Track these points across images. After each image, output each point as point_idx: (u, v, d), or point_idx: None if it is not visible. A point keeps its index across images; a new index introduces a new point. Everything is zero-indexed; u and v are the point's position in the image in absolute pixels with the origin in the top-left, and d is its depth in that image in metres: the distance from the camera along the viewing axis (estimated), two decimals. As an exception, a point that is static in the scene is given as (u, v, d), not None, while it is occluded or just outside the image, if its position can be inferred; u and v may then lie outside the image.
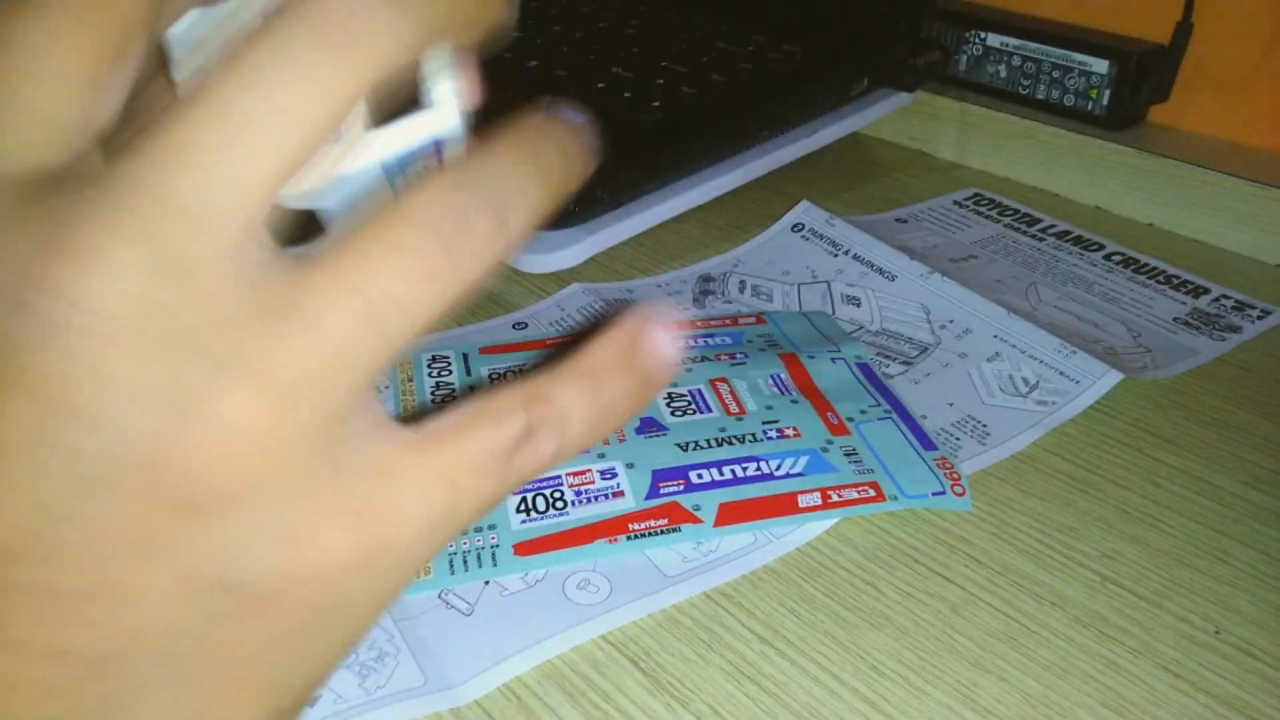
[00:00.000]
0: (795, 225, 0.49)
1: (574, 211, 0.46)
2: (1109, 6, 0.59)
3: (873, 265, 0.46)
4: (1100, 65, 0.56)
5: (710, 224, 0.51)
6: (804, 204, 0.50)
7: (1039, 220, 0.52)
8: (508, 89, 0.56)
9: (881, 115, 0.57)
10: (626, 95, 0.52)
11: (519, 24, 0.62)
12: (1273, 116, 0.55)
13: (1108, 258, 0.49)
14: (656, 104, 0.51)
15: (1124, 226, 0.53)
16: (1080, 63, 0.56)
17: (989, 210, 0.54)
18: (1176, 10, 0.55)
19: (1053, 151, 0.56)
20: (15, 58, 0.15)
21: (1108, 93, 0.56)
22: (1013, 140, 0.57)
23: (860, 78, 0.56)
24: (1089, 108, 0.57)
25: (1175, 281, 0.47)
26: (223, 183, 0.13)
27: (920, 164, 0.60)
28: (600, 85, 0.54)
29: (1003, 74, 0.60)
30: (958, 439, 0.36)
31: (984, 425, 0.37)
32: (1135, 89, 0.55)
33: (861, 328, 0.43)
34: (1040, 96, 0.58)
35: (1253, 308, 0.45)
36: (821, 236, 0.48)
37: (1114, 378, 0.38)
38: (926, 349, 0.41)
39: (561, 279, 0.46)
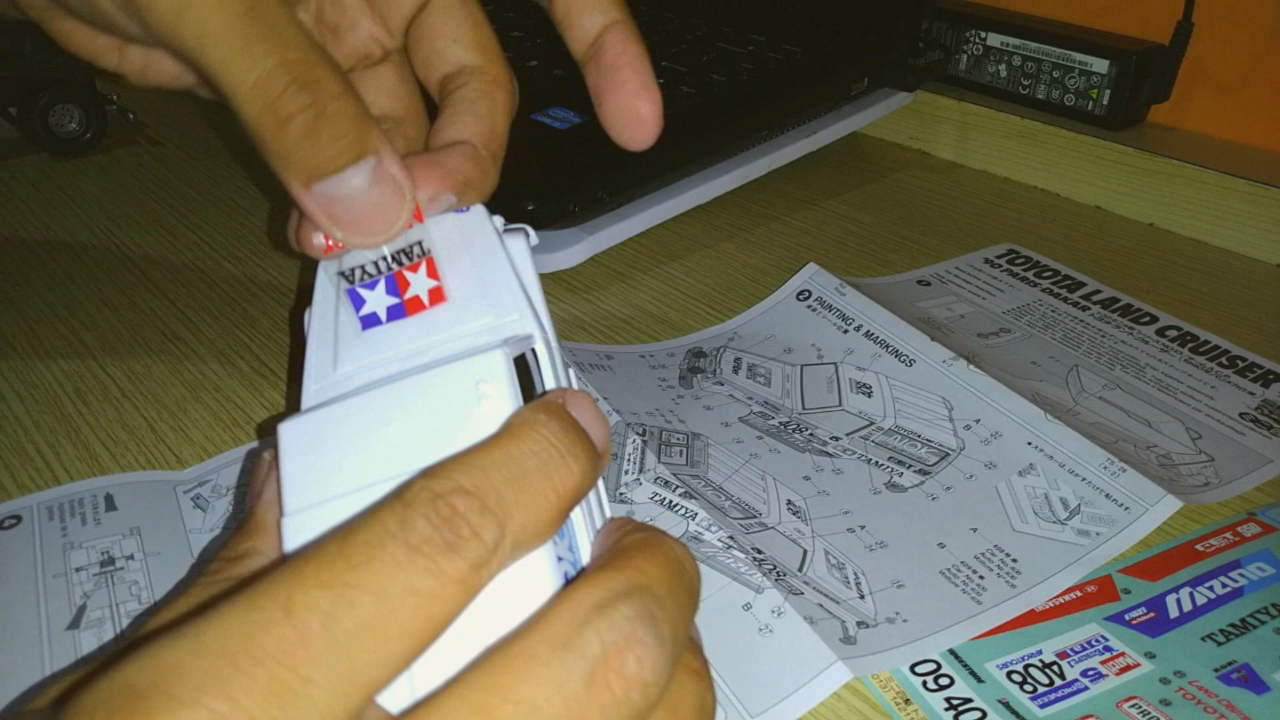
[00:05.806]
0: (801, 293, 0.43)
1: (574, 212, 0.46)
2: (1109, 6, 0.59)
3: (887, 346, 0.39)
4: (1100, 65, 0.56)
5: (711, 223, 0.51)
6: (811, 267, 0.44)
7: (1082, 284, 0.46)
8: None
9: (882, 115, 0.57)
10: (626, 95, 0.52)
11: (519, 23, 0.62)
12: (1273, 116, 0.55)
13: (1161, 333, 0.43)
14: (656, 104, 0.51)
15: (1124, 226, 0.53)
16: (1080, 62, 0.56)
17: (1025, 270, 0.47)
18: (1177, 10, 0.55)
19: (1053, 151, 0.56)
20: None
21: (1108, 92, 0.56)
22: (1013, 140, 0.57)
23: (860, 78, 0.56)
24: (1089, 107, 0.57)
25: (1240, 365, 0.40)
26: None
27: (920, 164, 0.60)
28: (600, 85, 0.54)
29: (1003, 74, 0.60)
30: (981, 578, 0.30)
31: (1013, 560, 0.31)
32: (1135, 89, 0.55)
33: (872, 424, 0.37)
34: (1040, 96, 0.58)
35: None
36: (830, 308, 0.42)
37: (1170, 505, 0.32)
38: (948, 454, 0.35)
39: (566, 280, 0.46)
